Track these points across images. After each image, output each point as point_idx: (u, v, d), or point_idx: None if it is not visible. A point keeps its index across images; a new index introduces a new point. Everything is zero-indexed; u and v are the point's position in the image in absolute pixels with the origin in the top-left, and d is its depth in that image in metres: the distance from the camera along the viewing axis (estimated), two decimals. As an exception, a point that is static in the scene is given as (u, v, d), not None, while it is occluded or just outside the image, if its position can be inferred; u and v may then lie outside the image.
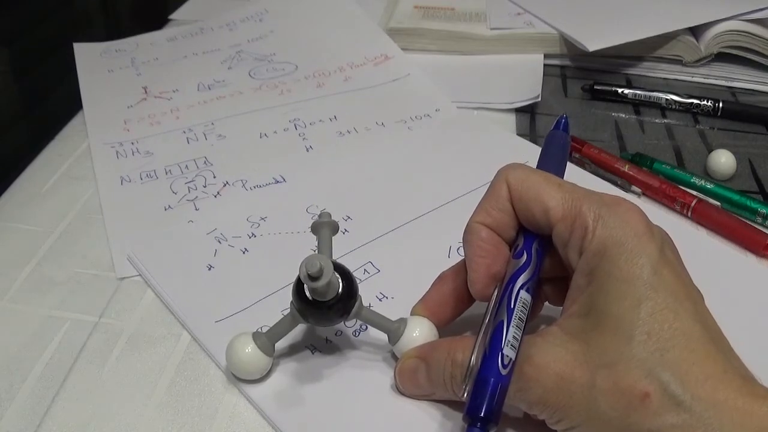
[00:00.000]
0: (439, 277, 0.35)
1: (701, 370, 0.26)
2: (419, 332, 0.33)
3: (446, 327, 0.35)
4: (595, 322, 0.28)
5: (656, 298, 0.27)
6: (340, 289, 0.31)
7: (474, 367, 0.29)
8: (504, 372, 0.28)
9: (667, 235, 0.30)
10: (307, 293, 0.31)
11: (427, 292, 0.35)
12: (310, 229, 0.35)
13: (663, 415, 0.25)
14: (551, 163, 0.35)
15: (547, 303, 0.35)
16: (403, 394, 0.33)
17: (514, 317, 0.29)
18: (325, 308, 0.31)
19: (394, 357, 0.35)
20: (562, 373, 0.27)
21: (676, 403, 0.25)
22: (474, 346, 0.30)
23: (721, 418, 0.25)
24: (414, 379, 0.33)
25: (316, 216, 0.35)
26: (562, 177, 0.34)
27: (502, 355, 0.28)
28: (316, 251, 0.34)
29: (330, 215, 0.35)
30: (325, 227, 0.34)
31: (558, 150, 0.36)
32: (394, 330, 0.34)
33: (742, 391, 0.25)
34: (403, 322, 0.34)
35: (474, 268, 0.32)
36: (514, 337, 0.29)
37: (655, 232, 0.29)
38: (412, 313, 0.35)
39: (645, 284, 0.27)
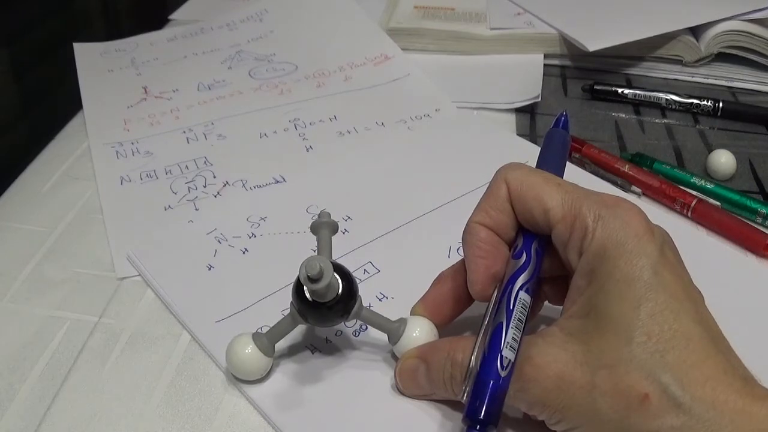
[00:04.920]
0: (438, 277, 0.35)
1: (701, 371, 0.26)
2: (419, 332, 0.33)
3: (446, 327, 0.35)
4: (595, 323, 0.28)
5: (656, 299, 0.27)
6: (339, 290, 0.31)
7: (473, 368, 0.29)
8: (503, 374, 0.28)
9: (668, 235, 0.30)
10: (307, 294, 0.31)
11: (427, 292, 0.35)
12: (309, 229, 0.35)
13: (663, 417, 0.25)
14: (551, 162, 0.35)
15: (547, 303, 0.35)
16: (403, 394, 0.33)
17: (513, 318, 0.29)
18: (325, 309, 0.31)
19: (394, 357, 0.35)
20: (561, 374, 0.27)
21: (675, 405, 0.25)
22: (473, 348, 0.29)
23: (721, 420, 0.25)
24: (414, 379, 0.33)
25: (316, 216, 0.35)
26: (562, 175, 0.34)
27: (501, 356, 0.28)
28: (316, 251, 0.34)
29: (329, 215, 0.35)
30: (324, 227, 0.34)
31: (558, 148, 0.36)
32: (394, 330, 0.34)
33: (742, 393, 0.25)
34: (403, 322, 0.34)
35: (473, 268, 0.32)
36: (513, 338, 0.29)
37: (656, 232, 0.29)
38: (412, 313, 0.35)
39: (645, 285, 0.27)
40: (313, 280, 0.29)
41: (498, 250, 0.32)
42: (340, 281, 0.31)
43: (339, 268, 0.32)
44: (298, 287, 0.31)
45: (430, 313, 0.34)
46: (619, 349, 0.26)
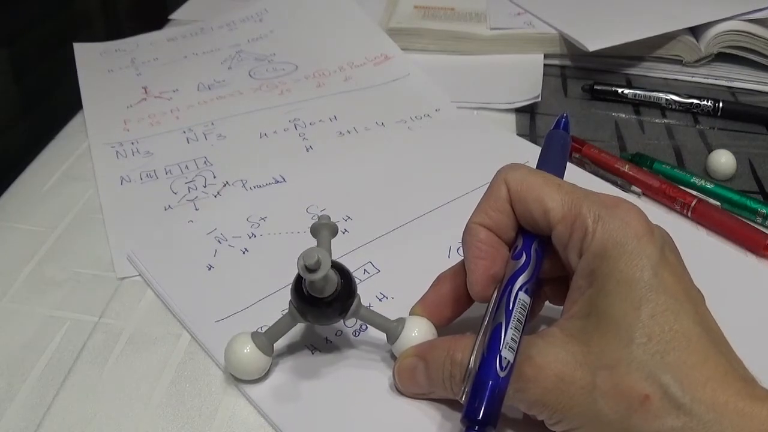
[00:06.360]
0: (437, 278, 0.35)
1: (701, 372, 0.26)
2: (418, 332, 0.33)
3: (445, 328, 0.35)
4: (596, 323, 0.28)
5: (657, 300, 0.27)
6: (338, 287, 0.31)
7: (472, 369, 0.29)
8: (502, 374, 0.28)
9: (668, 235, 0.30)
10: (305, 290, 0.31)
11: (426, 293, 0.35)
12: (309, 232, 0.35)
13: (663, 418, 0.25)
14: (551, 163, 0.35)
15: (547, 303, 0.35)
16: (401, 393, 0.33)
17: (512, 319, 0.29)
18: (323, 306, 0.31)
19: (394, 357, 0.35)
20: (561, 375, 0.27)
21: (676, 406, 0.25)
22: (473, 348, 0.29)
23: (722, 421, 0.25)
24: (413, 377, 0.32)
25: (316, 216, 0.35)
26: (562, 177, 0.34)
27: (500, 357, 0.28)
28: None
29: (329, 218, 0.35)
30: (324, 229, 0.34)
31: (558, 149, 0.36)
32: (393, 329, 0.34)
33: (743, 394, 0.25)
34: (401, 321, 0.34)
35: (473, 269, 0.32)
36: (512, 339, 0.28)
37: (656, 233, 0.29)
38: (411, 313, 0.35)
39: (645, 286, 0.27)
40: (310, 270, 0.29)
41: (497, 251, 0.32)
42: (338, 278, 0.31)
43: (338, 266, 0.32)
44: (296, 284, 0.31)
45: (429, 314, 0.34)
46: (620, 350, 0.26)
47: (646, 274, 0.27)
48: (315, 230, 0.34)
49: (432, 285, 0.35)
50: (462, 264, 0.33)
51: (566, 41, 0.68)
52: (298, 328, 0.36)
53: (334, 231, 0.35)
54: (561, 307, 0.31)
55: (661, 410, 0.25)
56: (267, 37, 0.72)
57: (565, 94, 0.65)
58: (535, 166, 0.34)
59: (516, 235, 0.32)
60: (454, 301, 0.34)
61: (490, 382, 0.27)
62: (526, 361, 0.28)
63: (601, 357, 0.27)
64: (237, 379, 0.34)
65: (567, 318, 0.29)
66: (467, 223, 0.33)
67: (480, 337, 0.30)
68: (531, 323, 0.32)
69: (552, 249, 0.31)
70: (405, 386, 0.33)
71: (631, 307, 0.27)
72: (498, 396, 0.27)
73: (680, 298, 0.27)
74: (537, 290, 0.32)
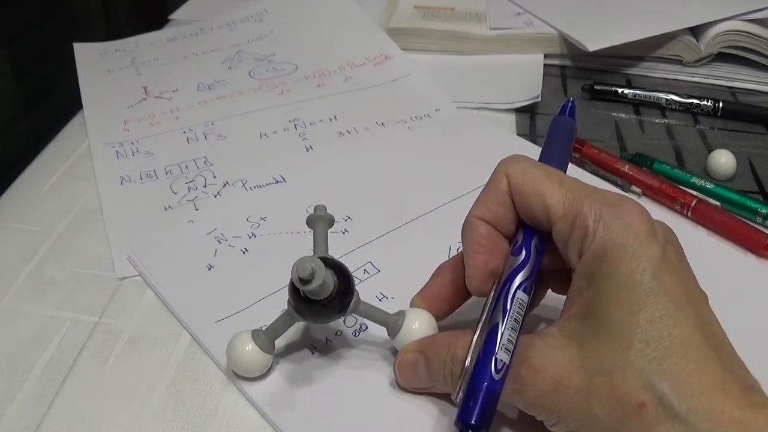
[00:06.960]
0: (438, 268, 0.35)
1: (698, 380, 0.25)
2: (419, 324, 0.33)
3: (445, 319, 0.35)
4: (594, 326, 0.27)
5: (656, 304, 0.26)
6: (334, 288, 0.31)
7: (468, 368, 0.28)
8: (497, 377, 0.27)
9: (672, 233, 0.29)
10: (302, 293, 0.31)
11: (426, 284, 0.35)
12: (306, 224, 0.35)
13: (658, 427, 0.25)
14: (555, 153, 0.34)
15: (547, 301, 0.34)
16: (402, 387, 0.33)
17: (509, 319, 0.28)
18: (320, 306, 0.31)
19: (394, 354, 0.35)
20: (558, 378, 0.27)
21: (671, 415, 0.25)
22: (469, 348, 0.29)
23: (717, 430, 0.24)
24: (413, 372, 0.32)
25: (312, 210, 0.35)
26: (566, 168, 0.33)
27: (496, 359, 0.27)
28: (313, 247, 0.34)
29: (325, 208, 0.34)
30: (320, 221, 0.34)
31: (563, 138, 0.35)
32: (393, 323, 0.34)
33: (740, 402, 0.25)
34: (401, 314, 0.34)
35: (471, 264, 0.31)
36: (508, 340, 0.28)
37: (659, 233, 0.28)
38: (411, 305, 0.35)
39: (645, 290, 0.27)
40: (304, 281, 0.29)
41: (497, 246, 0.31)
42: (335, 278, 0.31)
43: (334, 264, 0.31)
44: (293, 286, 0.31)
45: (429, 305, 0.34)
46: (617, 355, 0.26)
47: (646, 277, 0.27)
48: (311, 222, 0.34)
49: (432, 276, 0.35)
50: (462, 256, 0.33)
51: (566, 41, 0.68)
52: (299, 328, 0.36)
53: (330, 222, 0.34)
54: (563, 298, 0.30)
55: (656, 419, 0.25)
56: (267, 37, 0.72)
57: (565, 94, 0.65)
58: (538, 156, 0.34)
59: (516, 229, 0.32)
60: (454, 293, 0.34)
61: (485, 385, 0.27)
62: (523, 363, 0.28)
63: (598, 362, 0.26)
64: (238, 377, 0.34)
65: (566, 318, 0.29)
66: (467, 216, 0.32)
67: (476, 336, 0.29)
68: (529, 319, 0.32)
69: (553, 244, 0.31)
70: (406, 381, 0.33)
71: (630, 312, 0.26)
72: (492, 399, 0.27)
73: (680, 302, 0.27)
74: (538, 282, 0.31)
